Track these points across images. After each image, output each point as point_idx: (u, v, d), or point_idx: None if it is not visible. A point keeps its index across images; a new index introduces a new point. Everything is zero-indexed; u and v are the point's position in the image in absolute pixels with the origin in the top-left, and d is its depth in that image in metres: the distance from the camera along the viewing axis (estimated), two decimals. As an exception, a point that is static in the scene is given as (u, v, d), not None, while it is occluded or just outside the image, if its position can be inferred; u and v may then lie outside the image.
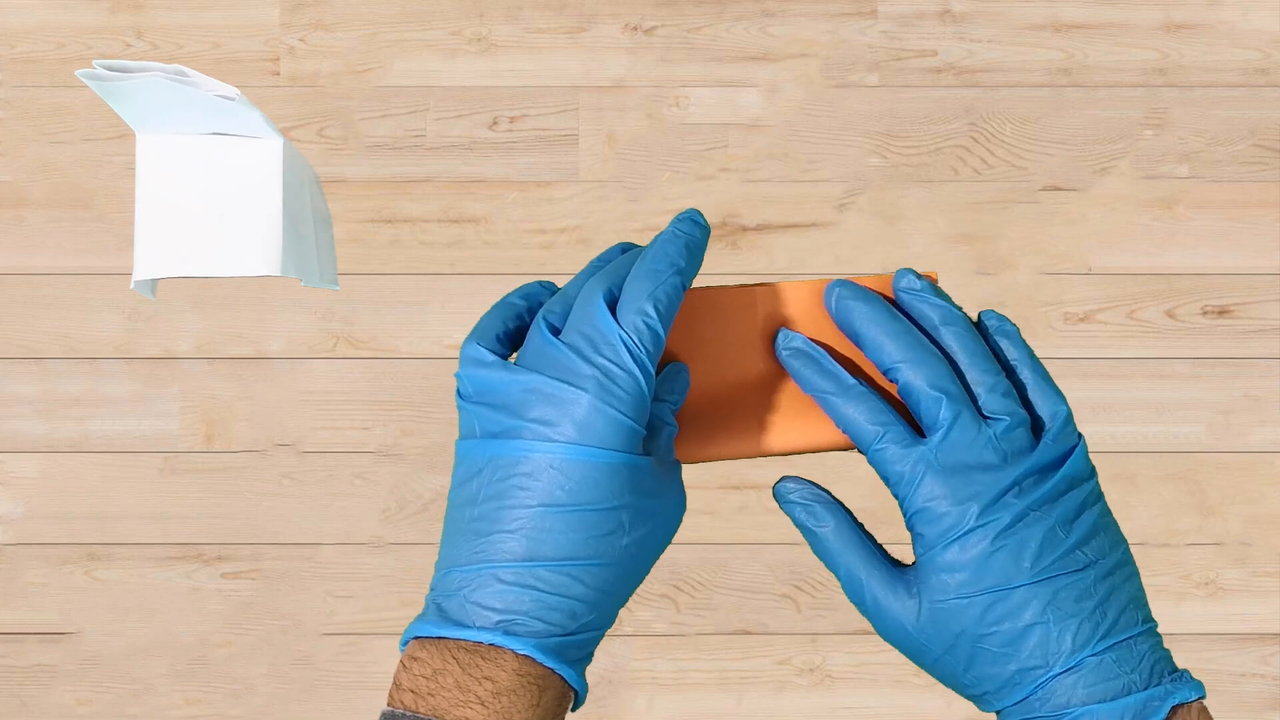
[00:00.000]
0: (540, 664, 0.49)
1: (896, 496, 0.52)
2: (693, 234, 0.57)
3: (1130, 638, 0.51)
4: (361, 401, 1.40)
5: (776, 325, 0.57)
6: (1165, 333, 1.39)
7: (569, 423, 0.50)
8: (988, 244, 1.39)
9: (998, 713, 0.54)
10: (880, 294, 0.56)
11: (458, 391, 0.54)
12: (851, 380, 0.54)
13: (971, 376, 0.53)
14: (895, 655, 1.32)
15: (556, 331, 0.52)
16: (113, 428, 1.40)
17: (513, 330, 0.55)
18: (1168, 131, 1.41)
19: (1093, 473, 0.53)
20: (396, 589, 1.39)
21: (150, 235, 0.55)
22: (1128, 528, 1.42)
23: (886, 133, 1.40)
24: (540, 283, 0.57)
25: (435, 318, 1.40)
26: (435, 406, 1.40)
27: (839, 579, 0.55)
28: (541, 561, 0.49)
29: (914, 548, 0.52)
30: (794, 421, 0.57)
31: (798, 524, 0.55)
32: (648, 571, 0.53)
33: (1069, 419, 0.53)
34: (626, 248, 0.59)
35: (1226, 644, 1.39)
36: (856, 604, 0.54)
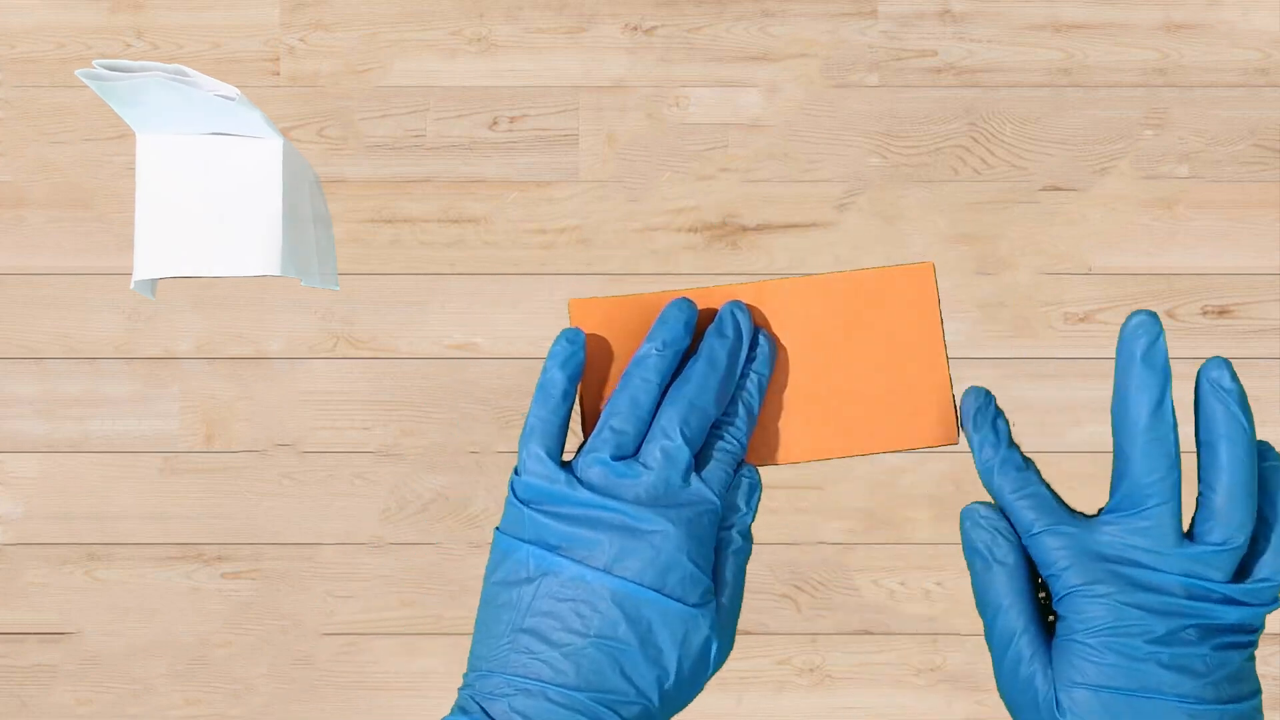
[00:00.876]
0: None
1: (1048, 577, 0.51)
2: (766, 352, 0.56)
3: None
4: (361, 401, 1.40)
5: (769, 322, 0.57)
6: (1165, 333, 1.39)
7: (642, 562, 0.50)
8: (988, 244, 1.39)
9: None
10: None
11: (512, 490, 0.53)
12: (1022, 460, 0.53)
13: (1219, 498, 0.52)
14: (895, 655, 1.32)
15: (622, 457, 0.52)
16: (113, 428, 1.40)
17: (566, 417, 0.54)
18: (1168, 131, 1.41)
19: (1262, 628, 0.51)
20: (396, 589, 1.39)
21: (150, 235, 0.55)
22: (1128, 528, 1.40)
23: (886, 133, 1.40)
24: (572, 340, 0.54)
25: (435, 318, 1.40)
26: (435, 406, 1.40)
27: (987, 619, 0.53)
28: (588, 691, 0.49)
29: (1057, 627, 0.51)
30: (805, 431, 0.56)
31: (974, 549, 0.53)
32: (685, 706, 0.53)
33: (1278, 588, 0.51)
34: (687, 313, 0.55)
35: (1226, 644, 1.39)
36: (995, 650, 0.53)
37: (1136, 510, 0.51)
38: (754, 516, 0.55)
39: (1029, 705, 0.51)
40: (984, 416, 0.54)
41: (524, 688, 0.50)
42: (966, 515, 0.54)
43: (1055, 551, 0.51)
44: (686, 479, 0.52)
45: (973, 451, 0.54)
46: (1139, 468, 0.51)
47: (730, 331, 0.54)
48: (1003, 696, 0.53)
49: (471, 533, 1.39)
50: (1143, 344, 0.53)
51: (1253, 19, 1.41)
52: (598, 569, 0.50)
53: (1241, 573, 0.51)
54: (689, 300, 0.55)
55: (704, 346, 0.54)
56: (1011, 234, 1.39)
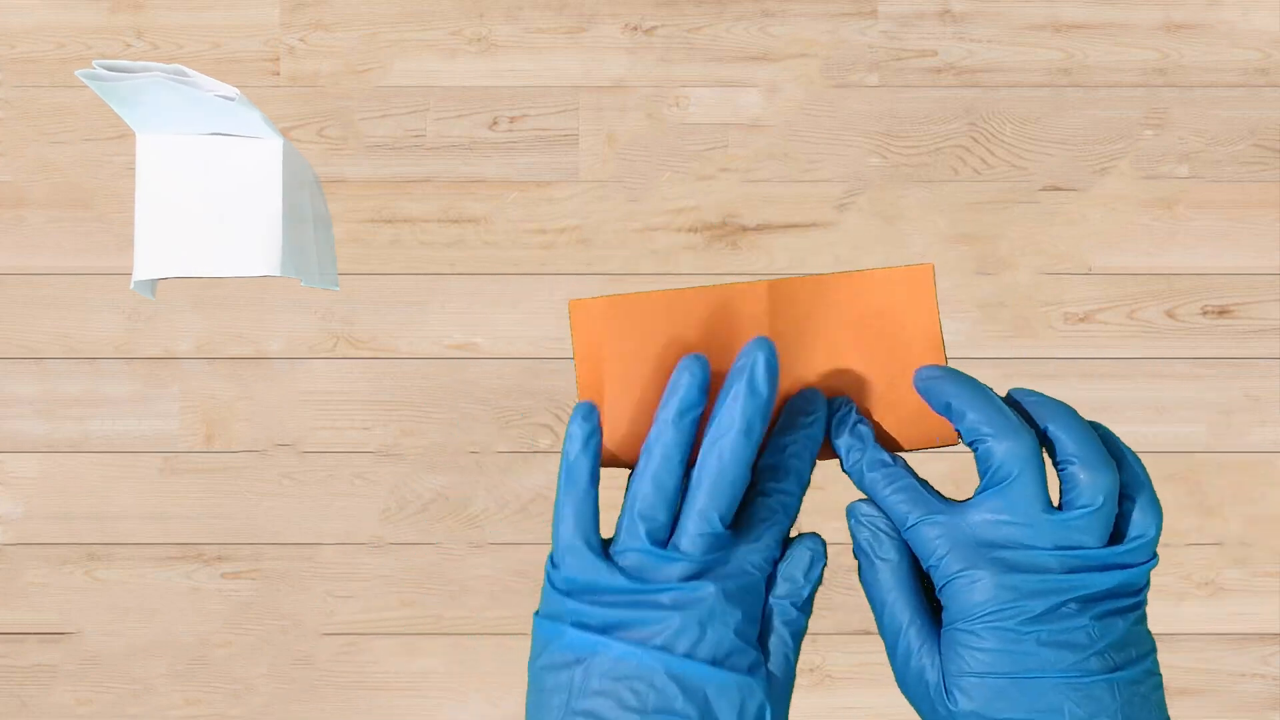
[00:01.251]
0: None
1: (928, 568, 0.51)
2: (808, 432, 0.55)
3: None
4: (361, 401, 1.40)
5: (770, 323, 0.56)
6: (1165, 333, 1.39)
7: (690, 638, 0.49)
8: (988, 244, 1.39)
9: None
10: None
11: (549, 581, 0.52)
12: (890, 458, 0.53)
13: (1077, 466, 0.51)
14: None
15: (658, 541, 0.51)
16: (113, 428, 1.40)
17: (595, 500, 0.52)
18: (1168, 131, 1.41)
19: (1146, 586, 0.52)
20: (396, 589, 1.39)
21: (150, 235, 0.55)
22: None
23: (886, 133, 1.40)
24: (587, 417, 0.53)
25: (435, 318, 1.40)
26: (435, 406, 1.40)
27: (876, 614, 0.54)
28: None
29: (943, 616, 0.51)
30: None
31: (860, 547, 0.54)
32: None
33: (1153, 544, 0.51)
34: (700, 377, 0.53)
35: (1226, 644, 1.39)
36: (888, 646, 0.53)
37: (1001, 485, 0.50)
38: (812, 590, 0.53)
39: (923, 697, 0.52)
40: (844, 424, 0.55)
41: None
42: (850, 514, 0.54)
43: (932, 541, 0.51)
44: (728, 553, 0.51)
45: (839, 458, 0.55)
46: (996, 442, 0.51)
47: (764, 389, 0.52)
48: (901, 689, 0.53)
49: (471, 533, 1.39)
50: (935, 371, 0.55)
51: (1253, 19, 1.41)
52: (650, 649, 0.49)
53: (1116, 538, 0.51)
54: (701, 360, 0.53)
55: (731, 405, 0.51)
56: (1011, 234, 1.39)
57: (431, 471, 1.40)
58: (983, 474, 0.52)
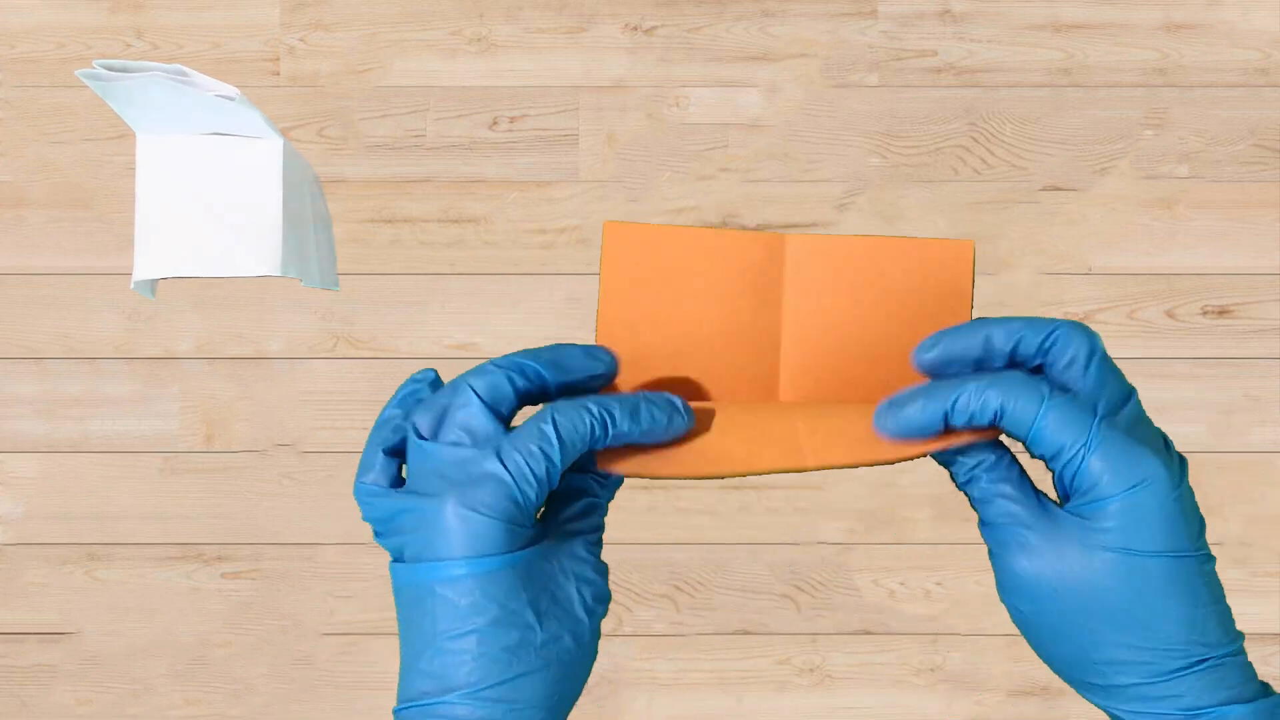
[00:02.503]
0: None
1: (1072, 458, 0.50)
2: (666, 409, 0.53)
3: (1238, 647, 0.50)
4: (361, 401, 1.40)
5: (791, 276, 0.56)
6: (1165, 333, 1.39)
7: (441, 539, 0.48)
8: (988, 244, 1.39)
9: (1104, 703, 0.51)
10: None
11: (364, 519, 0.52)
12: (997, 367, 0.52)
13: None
14: (895, 655, 1.32)
15: (430, 438, 0.50)
16: (113, 428, 1.40)
17: (398, 443, 0.52)
18: (1168, 131, 1.41)
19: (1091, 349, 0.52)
20: (396, 589, 1.39)
21: (150, 235, 0.55)
22: (1128, 528, 1.40)
23: (886, 133, 1.40)
24: (416, 380, 0.54)
25: (435, 318, 1.40)
26: (435, 406, 1.39)
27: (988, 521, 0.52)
28: (457, 692, 0.48)
29: (1070, 506, 0.50)
30: (813, 381, 0.56)
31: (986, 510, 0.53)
32: (593, 657, 0.51)
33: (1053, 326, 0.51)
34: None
35: (1226, 644, 1.39)
36: (996, 541, 0.52)
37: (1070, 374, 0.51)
38: (598, 543, 0.52)
39: (1042, 588, 0.51)
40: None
41: (435, 712, 0.49)
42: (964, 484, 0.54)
43: (1061, 431, 0.50)
44: (481, 439, 0.49)
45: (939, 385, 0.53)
46: (1008, 398, 0.50)
47: (602, 358, 0.53)
48: (1019, 601, 0.52)
49: (471, 533, 1.39)
50: (892, 403, 0.53)
51: (1253, 19, 1.41)
52: (413, 562, 0.48)
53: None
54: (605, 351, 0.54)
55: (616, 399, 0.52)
56: (1011, 234, 1.39)
57: (431, 471, 1.40)
58: (1010, 421, 0.51)
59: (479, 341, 1.39)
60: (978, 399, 0.50)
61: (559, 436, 0.48)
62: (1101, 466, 0.49)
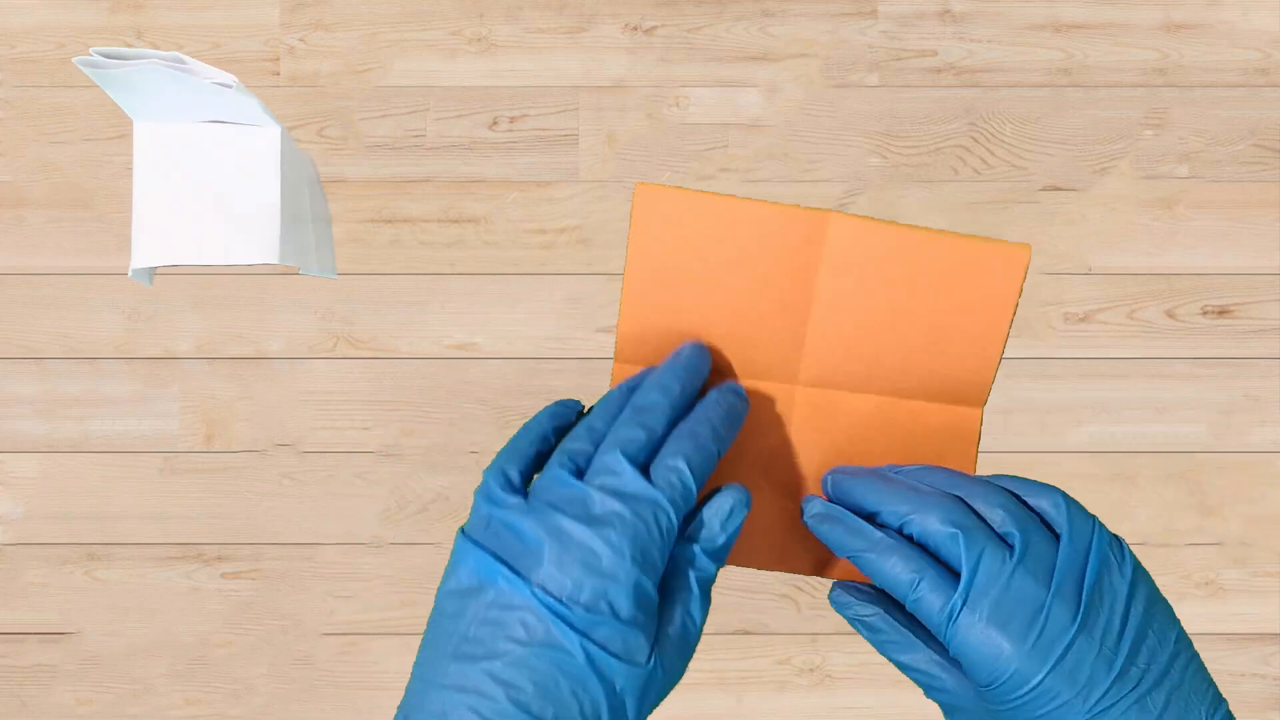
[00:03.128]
0: None
1: (942, 640, 0.51)
2: (734, 404, 0.55)
3: None
4: (361, 401, 1.40)
5: (826, 255, 0.55)
6: (1165, 333, 1.39)
7: (578, 576, 0.49)
8: (988, 244, 1.39)
9: None
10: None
11: (478, 494, 0.52)
12: (879, 534, 0.53)
13: (977, 506, 0.52)
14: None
15: (579, 473, 0.51)
16: (113, 428, 1.40)
17: (539, 454, 0.54)
18: (1168, 131, 1.41)
19: (1122, 549, 0.52)
20: (396, 589, 1.39)
21: (147, 223, 0.55)
22: (1127, 528, 1.41)
23: (886, 133, 1.40)
24: (568, 405, 0.55)
25: (435, 318, 1.40)
26: (435, 406, 1.40)
27: (911, 674, 0.54)
28: (529, 707, 0.47)
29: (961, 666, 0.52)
30: (838, 365, 0.56)
31: (858, 629, 0.55)
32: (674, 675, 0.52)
33: (1071, 504, 0.52)
34: (662, 384, 0.56)
35: (1226, 644, 1.39)
36: (932, 698, 0.54)
37: (965, 566, 0.51)
38: (728, 540, 0.53)
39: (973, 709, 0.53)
40: (821, 519, 0.55)
41: (456, 704, 0.48)
42: (833, 604, 0.56)
43: (938, 617, 0.51)
44: (638, 496, 0.50)
45: (831, 549, 0.55)
46: (934, 526, 0.52)
47: (684, 355, 0.55)
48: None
49: (471, 533, 1.39)
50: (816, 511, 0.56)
51: (1253, 19, 1.41)
52: (537, 586, 0.49)
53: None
54: (705, 353, 0.55)
55: (657, 369, 0.54)
56: (1011, 234, 1.39)
57: (431, 471, 1.40)
58: (934, 551, 0.52)
59: (479, 341, 1.39)
60: (905, 523, 0.53)
61: (696, 479, 0.52)
62: (963, 658, 0.51)
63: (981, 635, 0.49)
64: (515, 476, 0.52)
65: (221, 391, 1.40)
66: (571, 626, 0.48)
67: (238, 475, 1.40)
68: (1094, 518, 0.52)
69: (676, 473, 0.50)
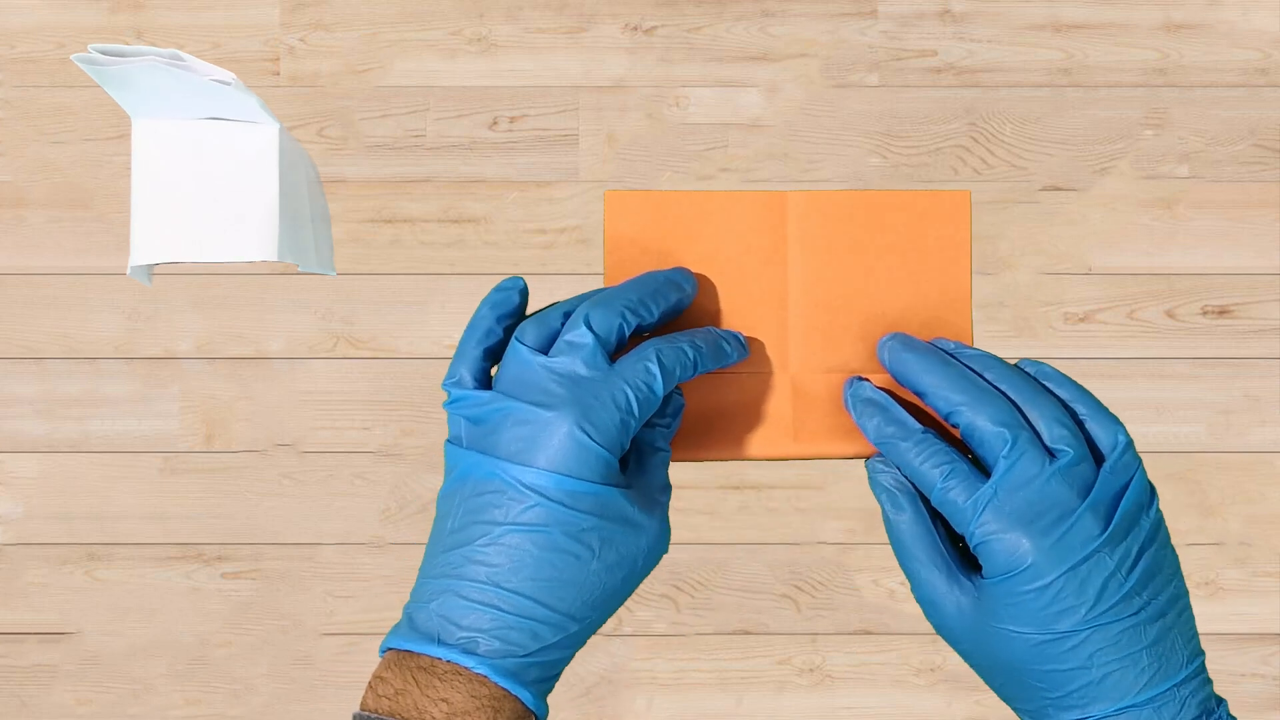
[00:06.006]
0: (496, 685, 0.49)
1: (964, 533, 0.52)
2: (722, 340, 0.56)
3: (1179, 682, 0.51)
4: (361, 401, 1.40)
5: (793, 232, 0.57)
6: (1165, 333, 1.39)
7: (540, 449, 0.50)
8: (988, 244, 1.39)
9: None
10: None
11: (445, 405, 0.54)
12: (916, 425, 0.54)
13: (1030, 414, 0.52)
14: (895, 655, 1.32)
15: (537, 351, 0.52)
16: (113, 428, 1.40)
17: (494, 346, 0.55)
18: (1168, 131, 1.41)
19: (1153, 496, 0.53)
20: (396, 589, 1.39)
21: (146, 221, 0.55)
22: (1128, 526, 1.40)
23: (886, 133, 1.40)
24: (505, 287, 0.56)
25: (435, 318, 1.40)
26: (435, 406, 1.40)
27: (900, 558, 0.55)
28: (504, 582, 0.49)
29: (984, 572, 0.52)
30: (820, 348, 0.57)
31: (883, 502, 0.55)
32: (623, 599, 0.53)
33: (1129, 446, 0.53)
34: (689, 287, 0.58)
35: (1226, 644, 1.39)
36: (913, 586, 0.54)
37: (1005, 453, 0.51)
38: (676, 425, 0.55)
39: (954, 636, 0.53)
40: (859, 398, 0.56)
41: (443, 589, 0.50)
42: (870, 469, 0.56)
43: (962, 507, 0.51)
44: (593, 368, 0.51)
45: (867, 434, 0.55)
46: (976, 418, 0.52)
47: (686, 285, 0.56)
48: (930, 621, 0.54)
49: (471, 532, 1.39)
50: (898, 342, 0.56)
51: (1253, 19, 1.41)
52: (507, 461, 0.50)
53: (1096, 458, 0.53)
54: (691, 279, 0.56)
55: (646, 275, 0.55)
56: (1011, 234, 1.39)
57: (431, 471, 1.40)
58: (973, 445, 0.52)
59: (479, 341, 1.39)
60: (948, 404, 0.53)
61: (663, 374, 0.52)
62: (984, 547, 0.51)
63: (1007, 523, 0.50)
64: (469, 377, 0.53)
65: (221, 391, 1.40)
66: (545, 497, 0.49)
67: (238, 475, 1.40)
68: (1140, 459, 0.53)
69: (645, 369, 0.52)
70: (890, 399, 0.55)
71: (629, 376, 0.51)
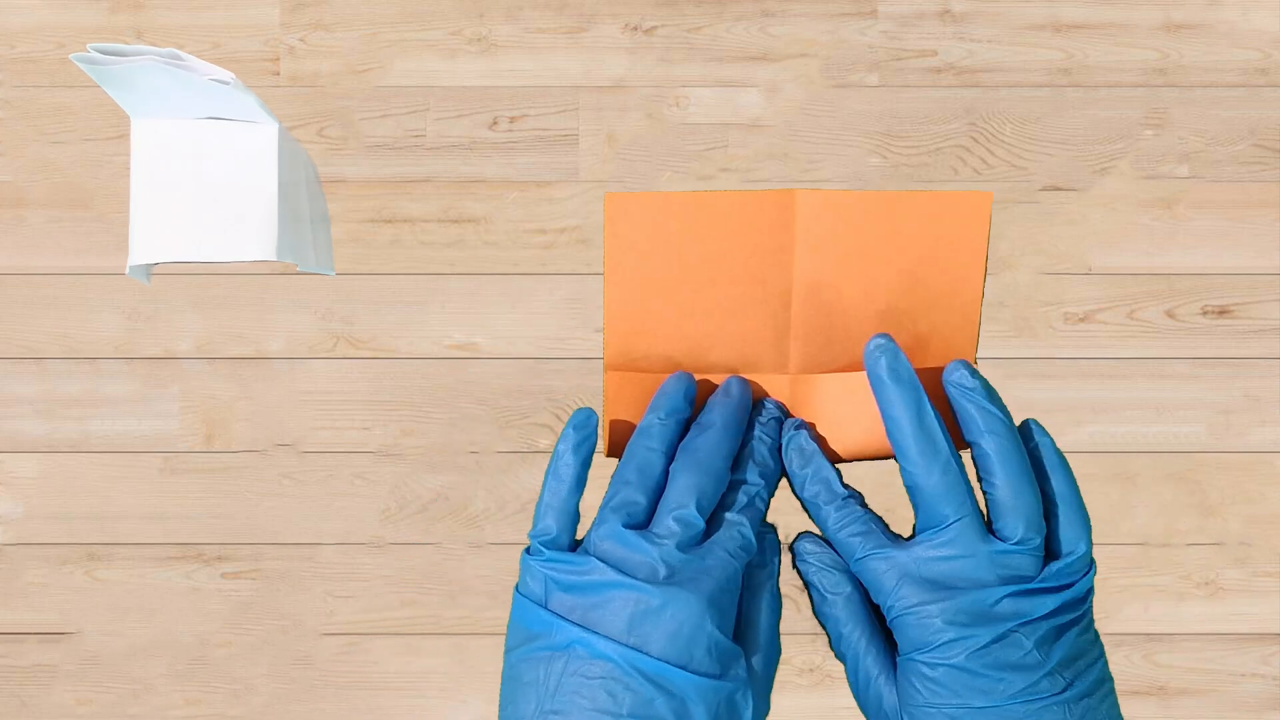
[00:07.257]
0: None
1: (878, 602, 0.51)
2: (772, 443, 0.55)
3: None
4: (361, 401, 1.40)
5: (799, 233, 0.55)
6: (1165, 333, 1.39)
7: (666, 636, 0.48)
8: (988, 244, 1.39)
9: None
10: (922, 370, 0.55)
11: (526, 566, 0.52)
12: (841, 490, 0.53)
13: (1001, 493, 0.51)
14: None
15: (635, 526, 0.50)
16: (113, 428, 1.40)
17: (577, 503, 0.53)
18: (1168, 131, 1.41)
19: (1089, 594, 0.52)
20: (396, 589, 1.39)
21: (145, 220, 0.55)
22: (1127, 528, 1.42)
23: (886, 133, 1.40)
24: (582, 425, 0.54)
25: (435, 318, 1.40)
26: (435, 406, 1.40)
27: (833, 642, 0.54)
28: None
29: (898, 646, 0.51)
30: (825, 349, 0.56)
31: (810, 583, 0.54)
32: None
33: (1084, 558, 0.52)
34: (685, 385, 0.55)
35: (1226, 644, 1.38)
36: (847, 670, 0.53)
37: (939, 528, 0.50)
38: (778, 573, 0.54)
39: (882, 718, 0.52)
40: (803, 457, 0.55)
41: None
42: (795, 553, 0.55)
43: (881, 576, 0.51)
44: (705, 548, 0.50)
45: (794, 489, 0.55)
46: (924, 483, 0.51)
47: (735, 392, 0.54)
48: (862, 711, 0.53)
49: (471, 533, 1.39)
50: (884, 363, 0.53)
51: (1253, 19, 1.41)
52: (624, 645, 0.48)
53: (1050, 555, 0.52)
54: (688, 375, 0.55)
55: (710, 408, 0.53)
56: (1011, 234, 1.39)
57: (431, 471, 1.40)
58: (916, 505, 0.52)
59: (479, 341, 1.39)
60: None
61: (751, 524, 0.52)
62: (900, 621, 0.51)
63: (916, 604, 0.49)
64: (561, 535, 0.51)
65: (221, 391, 1.40)
66: (660, 690, 0.47)
67: (238, 475, 1.40)
68: (1093, 569, 0.52)
69: (737, 526, 0.51)
70: (820, 454, 0.54)
71: (732, 547, 0.50)
